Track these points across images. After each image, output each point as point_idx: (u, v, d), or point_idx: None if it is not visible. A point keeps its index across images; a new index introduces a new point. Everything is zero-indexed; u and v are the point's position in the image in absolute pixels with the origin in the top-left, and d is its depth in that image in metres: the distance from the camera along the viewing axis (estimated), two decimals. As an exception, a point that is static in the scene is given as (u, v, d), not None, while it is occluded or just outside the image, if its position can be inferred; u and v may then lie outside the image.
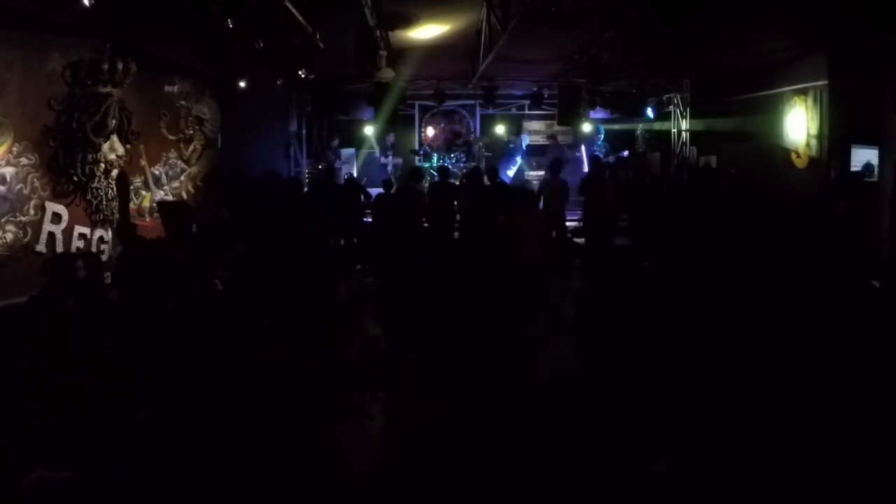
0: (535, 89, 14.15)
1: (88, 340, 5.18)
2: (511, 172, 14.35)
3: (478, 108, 15.38)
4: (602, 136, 15.29)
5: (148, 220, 8.91)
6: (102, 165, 7.78)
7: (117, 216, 8.10)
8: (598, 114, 14.61)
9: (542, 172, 13.15)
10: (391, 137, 14.88)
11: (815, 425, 3.88)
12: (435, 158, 14.70)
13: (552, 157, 13.05)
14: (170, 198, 9.41)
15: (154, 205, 9.08)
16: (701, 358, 6.38)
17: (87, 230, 7.71)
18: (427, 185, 11.63)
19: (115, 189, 8.03)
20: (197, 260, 6.25)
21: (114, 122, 7.75)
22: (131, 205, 8.71)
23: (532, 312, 7.79)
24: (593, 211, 10.18)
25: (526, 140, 15.22)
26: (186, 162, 10.04)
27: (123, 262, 6.74)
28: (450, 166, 13.96)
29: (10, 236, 6.73)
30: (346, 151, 14.71)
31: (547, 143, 15.45)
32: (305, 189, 12.40)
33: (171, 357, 5.05)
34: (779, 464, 4.09)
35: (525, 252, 7.63)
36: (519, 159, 14.63)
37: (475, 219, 9.48)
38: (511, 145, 15.12)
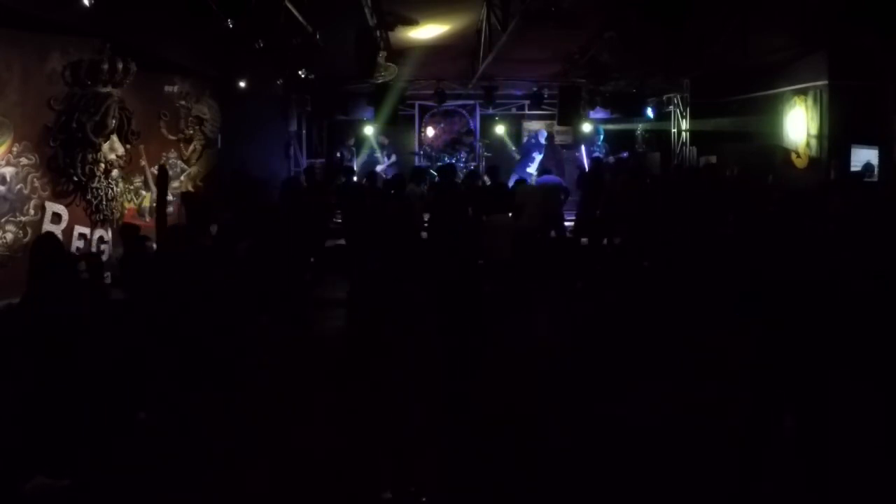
0: (535, 89, 14.13)
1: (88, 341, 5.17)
2: (531, 169, 14.09)
3: (478, 108, 15.35)
4: (602, 136, 15.27)
5: (148, 220, 8.91)
6: (102, 165, 7.79)
7: (117, 216, 8.14)
8: (598, 114, 14.60)
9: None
10: (382, 138, 14.65)
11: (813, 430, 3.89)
12: (434, 159, 14.66)
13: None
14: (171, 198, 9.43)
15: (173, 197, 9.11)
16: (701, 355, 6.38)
17: (87, 230, 7.71)
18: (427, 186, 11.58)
19: (120, 186, 8.14)
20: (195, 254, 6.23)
21: (114, 122, 7.76)
22: (131, 205, 8.73)
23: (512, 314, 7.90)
24: (589, 211, 10.19)
25: (545, 134, 14.87)
26: (186, 162, 10.05)
27: (128, 261, 6.71)
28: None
29: (10, 236, 6.72)
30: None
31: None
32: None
33: (164, 355, 5.05)
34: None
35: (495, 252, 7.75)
36: (537, 156, 14.47)
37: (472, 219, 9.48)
38: (532, 141, 14.99)
